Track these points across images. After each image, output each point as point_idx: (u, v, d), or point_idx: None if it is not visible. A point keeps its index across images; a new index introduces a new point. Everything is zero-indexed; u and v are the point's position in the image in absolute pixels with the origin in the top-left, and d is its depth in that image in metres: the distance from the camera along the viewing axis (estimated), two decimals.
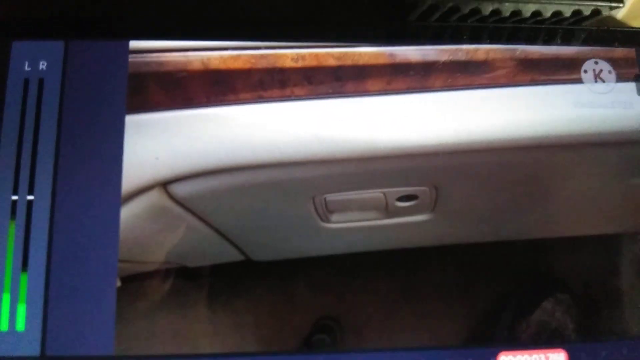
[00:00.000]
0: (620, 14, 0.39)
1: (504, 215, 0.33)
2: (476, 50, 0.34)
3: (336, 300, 0.30)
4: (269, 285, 0.30)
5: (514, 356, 0.30)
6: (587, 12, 0.35)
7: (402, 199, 0.32)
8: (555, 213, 0.33)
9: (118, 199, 0.29)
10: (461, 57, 0.34)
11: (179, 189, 0.30)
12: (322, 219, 0.31)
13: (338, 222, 0.31)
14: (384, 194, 0.32)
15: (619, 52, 0.35)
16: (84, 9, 0.32)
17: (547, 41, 0.35)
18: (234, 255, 0.30)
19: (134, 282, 0.28)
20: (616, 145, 0.34)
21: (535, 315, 0.32)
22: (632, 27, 0.38)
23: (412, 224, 0.32)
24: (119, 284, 0.28)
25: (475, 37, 0.34)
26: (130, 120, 0.30)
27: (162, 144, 0.30)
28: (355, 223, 0.32)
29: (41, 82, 0.30)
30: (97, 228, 0.28)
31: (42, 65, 0.30)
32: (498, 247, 0.32)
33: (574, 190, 0.33)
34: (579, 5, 0.35)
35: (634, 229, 0.33)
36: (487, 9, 0.34)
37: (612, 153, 0.34)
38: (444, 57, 0.34)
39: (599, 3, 0.35)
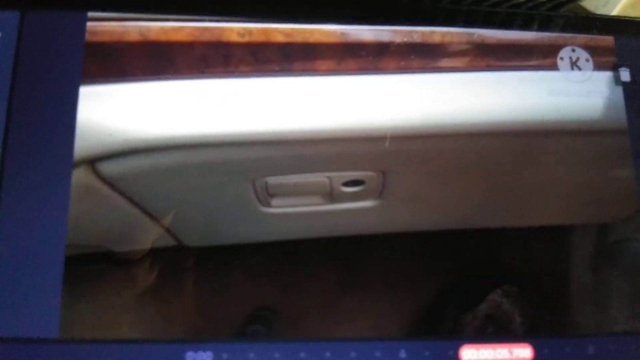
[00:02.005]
0: (615, 10, 0.38)
1: (453, 204, 0.32)
2: (432, 32, 0.33)
3: (273, 290, 0.29)
4: (201, 273, 0.28)
5: (477, 349, 0.28)
6: None
7: (347, 184, 0.31)
8: (508, 202, 0.33)
9: (68, 176, 0.27)
10: (416, 39, 0.33)
11: (107, 168, 0.28)
12: (262, 203, 0.30)
13: (279, 207, 0.30)
14: (329, 178, 0.30)
15: (597, 40, 0.34)
16: None
17: (524, 26, 0.34)
18: (166, 240, 0.28)
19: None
20: (586, 134, 0.33)
21: (481, 307, 0.31)
22: (611, 15, 0.37)
23: (357, 211, 0.31)
24: None
25: (449, 20, 0.33)
26: None
27: (92, 118, 0.28)
28: (297, 208, 0.30)
29: None
30: (43, 206, 0.27)
31: None
32: (445, 237, 0.31)
33: (530, 179, 0.32)
34: None
35: (590, 220, 0.33)
36: None
37: (582, 142, 0.33)
38: (398, 39, 0.32)
39: None
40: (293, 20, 0.31)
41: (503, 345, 0.29)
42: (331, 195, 0.31)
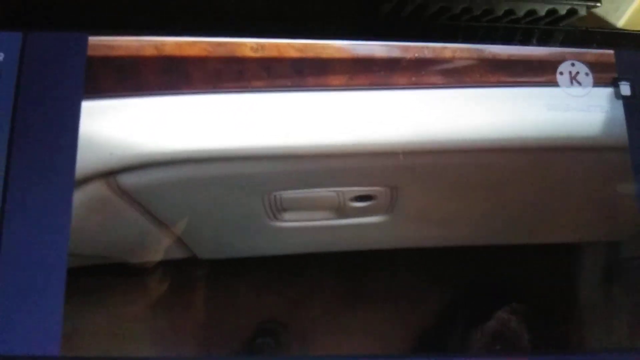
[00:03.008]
0: (620, 22, 0.37)
1: (462, 220, 0.32)
2: (443, 48, 0.33)
3: (282, 303, 0.29)
4: (212, 285, 0.29)
5: None
6: (562, 11, 0.34)
7: (357, 199, 0.31)
8: (516, 219, 0.33)
9: (70, 193, 0.28)
10: (427, 54, 0.33)
11: (124, 180, 0.29)
12: (272, 218, 0.30)
13: (289, 221, 0.30)
14: (339, 193, 0.31)
15: (597, 54, 0.34)
16: (43, 0, 0.31)
17: (523, 41, 0.34)
18: (179, 252, 0.29)
19: (71, 277, 0.27)
20: (588, 151, 0.33)
21: (489, 324, 0.31)
22: (612, 28, 0.37)
23: (366, 226, 0.31)
24: None
25: (447, 36, 0.33)
26: None
27: (109, 132, 0.29)
28: (307, 223, 0.31)
29: None
30: (47, 225, 0.27)
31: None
32: (453, 253, 0.31)
33: (540, 195, 0.32)
34: (554, 4, 0.33)
35: (598, 237, 0.33)
36: (458, 6, 0.33)
37: (584, 158, 0.33)
38: (410, 55, 0.33)
39: (575, 2, 0.33)
40: (294, 37, 0.32)
41: None
42: (341, 210, 0.31)
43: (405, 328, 0.30)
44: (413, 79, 0.33)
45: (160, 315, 0.28)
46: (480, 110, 0.32)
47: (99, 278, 0.28)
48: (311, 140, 0.30)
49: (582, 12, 0.34)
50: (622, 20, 0.37)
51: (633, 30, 0.36)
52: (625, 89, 0.33)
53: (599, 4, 0.34)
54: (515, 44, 0.33)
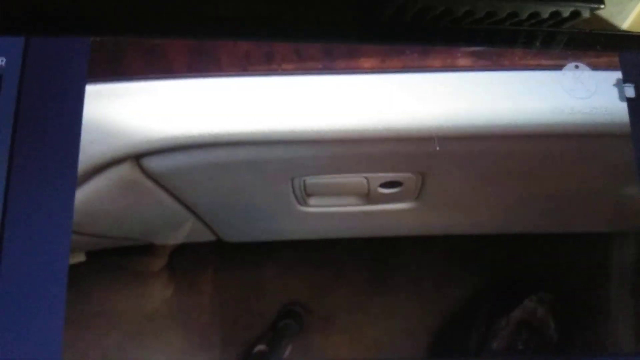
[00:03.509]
0: (625, 24, 0.37)
1: (492, 208, 0.31)
2: None
3: (306, 286, 0.30)
4: (237, 267, 0.29)
5: None
6: (566, 13, 0.33)
7: (385, 185, 0.31)
8: (549, 207, 0.32)
9: (72, 198, 0.27)
10: None
11: (152, 163, 0.29)
12: (299, 202, 0.30)
13: (316, 206, 0.31)
14: (367, 178, 0.31)
15: (602, 55, 0.33)
16: (45, 5, 0.31)
17: (526, 44, 0.33)
18: (205, 235, 0.29)
19: (99, 257, 0.28)
20: (620, 139, 0.32)
21: (515, 312, 0.31)
22: (616, 30, 0.36)
23: (393, 212, 0.31)
24: (84, 258, 0.27)
25: (450, 40, 0.32)
26: (107, 88, 0.29)
27: (138, 114, 0.29)
28: (334, 208, 0.31)
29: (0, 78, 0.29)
30: (48, 231, 0.27)
31: (1, 61, 0.29)
32: (481, 240, 0.31)
33: (571, 184, 0.32)
34: (557, 6, 0.32)
35: (629, 228, 0.32)
36: (460, 9, 0.32)
37: (617, 147, 0.32)
38: None
39: (578, 4, 0.32)
40: (296, 40, 0.31)
41: None
42: (368, 196, 0.31)
43: (430, 315, 0.30)
44: (448, 61, 0.32)
45: (184, 298, 0.29)
46: (513, 95, 0.31)
47: (127, 258, 0.29)
48: (340, 124, 0.30)
49: (586, 14, 0.33)
50: (626, 22, 0.37)
51: (637, 33, 0.35)
52: (630, 91, 0.32)
53: (602, 6, 0.33)
54: (519, 47, 0.32)
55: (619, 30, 0.36)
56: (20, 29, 0.29)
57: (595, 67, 0.32)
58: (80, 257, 0.27)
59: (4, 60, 0.29)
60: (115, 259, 0.28)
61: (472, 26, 0.33)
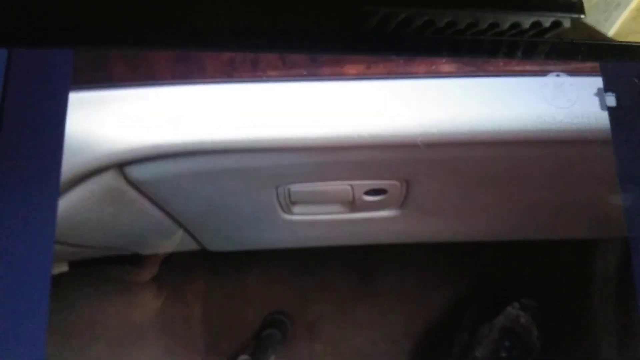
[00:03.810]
0: (611, 31, 0.37)
1: (476, 215, 0.32)
2: None
3: (290, 295, 0.30)
4: (221, 277, 0.29)
5: None
6: (546, 24, 0.33)
7: (369, 193, 0.31)
8: (532, 214, 0.32)
9: (55, 204, 0.27)
10: None
11: (136, 172, 0.29)
12: (284, 211, 0.30)
13: (300, 215, 0.31)
14: (352, 186, 0.31)
15: (583, 65, 0.33)
16: (28, 17, 0.30)
17: (508, 54, 0.32)
18: (189, 244, 0.29)
19: (82, 268, 0.28)
20: (606, 147, 0.32)
21: (499, 319, 0.31)
22: (597, 40, 0.37)
23: (378, 220, 0.31)
24: (66, 268, 0.27)
25: (433, 50, 0.32)
26: (90, 95, 0.29)
27: (121, 121, 0.29)
28: (319, 216, 0.31)
29: None
30: (30, 244, 0.26)
31: None
32: (463, 248, 0.31)
33: (551, 191, 0.32)
34: (538, 16, 0.32)
35: (611, 235, 0.32)
36: (442, 20, 0.32)
37: (603, 154, 0.32)
38: None
39: (559, 14, 0.32)
40: (280, 50, 0.31)
41: None
42: (353, 204, 0.31)
43: (413, 323, 0.30)
44: (433, 67, 0.32)
45: (168, 307, 0.29)
46: (496, 102, 0.31)
47: (110, 268, 0.28)
48: (325, 131, 0.30)
49: (567, 24, 0.33)
50: (612, 29, 0.37)
51: (618, 42, 0.35)
52: (611, 100, 0.32)
53: (582, 16, 0.33)
54: (500, 57, 0.32)
55: (601, 39, 0.37)
56: (3, 41, 0.29)
57: (576, 75, 0.32)
58: (63, 267, 0.27)
59: None
60: (99, 269, 0.28)
61: (455, 36, 0.33)
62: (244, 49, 0.30)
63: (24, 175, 0.27)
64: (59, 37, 0.29)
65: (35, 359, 0.25)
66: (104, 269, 0.28)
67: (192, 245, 0.29)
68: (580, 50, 0.32)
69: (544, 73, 0.32)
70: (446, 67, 0.32)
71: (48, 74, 0.28)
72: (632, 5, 0.37)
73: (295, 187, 0.30)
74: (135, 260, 0.29)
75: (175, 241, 0.29)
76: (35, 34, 0.29)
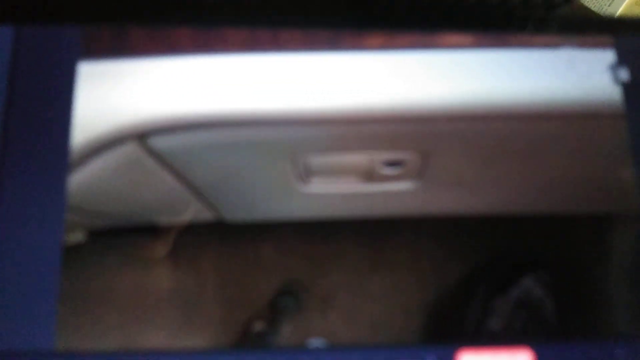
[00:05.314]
0: (620, 8, 0.36)
1: (494, 188, 0.31)
2: None
3: (305, 266, 0.30)
4: (235, 248, 0.30)
5: (476, 355, 0.28)
6: None
7: (387, 164, 0.31)
8: (548, 187, 0.32)
9: (64, 183, 0.27)
10: None
11: (156, 143, 0.29)
12: (301, 182, 0.31)
13: (317, 186, 0.31)
14: (369, 157, 0.31)
15: (595, 40, 0.32)
16: None
17: (519, 29, 0.32)
18: (207, 215, 0.30)
19: (100, 237, 0.28)
20: (606, 121, 0.31)
21: (513, 291, 0.31)
22: (610, 15, 0.36)
23: (395, 192, 0.31)
24: (82, 238, 0.28)
25: (442, 25, 0.31)
26: (110, 66, 0.29)
27: (142, 92, 0.29)
28: (335, 188, 0.31)
29: None
30: (41, 215, 0.27)
31: None
32: (479, 220, 0.31)
33: (568, 165, 0.32)
34: None
35: (629, 210, 0.32)
36: None
37: (603, 129, 0.32)
38: None
39: None
40: (289, 27, 0.31)
41: (503, 350, 0.28)
42: (370, 175, 0.31)
43: (428, 294, 0.30)
44: (453, 39, 0.31)
45: (183, 277, 0.29)
46: (517, 75, 0.31)
47: (128, 237, 0.29)
48: (343, 103, 0.30)
49: None
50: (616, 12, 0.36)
51: (632, 17, 0.34)
52: (624, 74, 0.31)
53: None
54: (512, 32, 0.31)
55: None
56: (10, 17, 0.29)
57: (589, 49, 0.32)
58: (78, 237, 0.28)
59: None
60: (115, 240, 0.29)
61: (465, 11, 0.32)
62: (251, 25, 0.30)
63: (35, 147, 0.28)
64: (68, 13, 0.29)
65: (46, 335, 0.26)
66: (120, 239, 0.29)
67: (210, 216, 0.30)
68: (593, 24, 0.32)
69: (560, 45, 0.31)
70: (462, 39, 0.32)
71: (57, 44, 0.29)
72: None
73: (313, 159, 0.30)
74: (152, 231, 0.29)
75: (191, 212, 0.30)
76: (43, 10, 0.29)
